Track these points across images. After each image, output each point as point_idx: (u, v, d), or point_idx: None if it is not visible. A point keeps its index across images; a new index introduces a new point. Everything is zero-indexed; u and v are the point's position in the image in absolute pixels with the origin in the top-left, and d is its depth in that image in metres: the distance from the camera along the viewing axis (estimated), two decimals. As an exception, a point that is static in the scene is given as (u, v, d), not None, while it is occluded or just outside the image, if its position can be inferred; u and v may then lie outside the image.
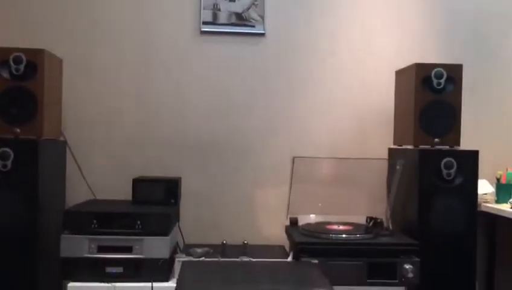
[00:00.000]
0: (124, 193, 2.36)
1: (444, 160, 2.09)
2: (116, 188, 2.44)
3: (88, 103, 2.49)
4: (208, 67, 2.55)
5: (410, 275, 1.93)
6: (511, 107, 2.72)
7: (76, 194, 2.41)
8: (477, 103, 2.66)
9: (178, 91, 2.53)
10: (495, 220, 2.49)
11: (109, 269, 1.92)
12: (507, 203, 2.39)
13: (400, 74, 2.41)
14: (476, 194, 2.14)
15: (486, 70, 2.69)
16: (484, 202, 2.41)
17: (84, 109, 2.49)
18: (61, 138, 2.33)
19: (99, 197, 2.43)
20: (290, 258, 1.99)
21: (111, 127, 2.50)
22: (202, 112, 2.54)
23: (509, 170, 2.44)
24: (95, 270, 1.92)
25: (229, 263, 1.69)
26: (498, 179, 2.46)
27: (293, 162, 2.10)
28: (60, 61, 2.28)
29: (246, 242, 2.19)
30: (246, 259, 1.94)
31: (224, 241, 2.18)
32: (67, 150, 2.38)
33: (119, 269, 1.92)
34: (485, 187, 2.44)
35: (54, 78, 2.18)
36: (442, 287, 2.07)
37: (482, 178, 2.27)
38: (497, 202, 2.43)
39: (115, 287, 1.90)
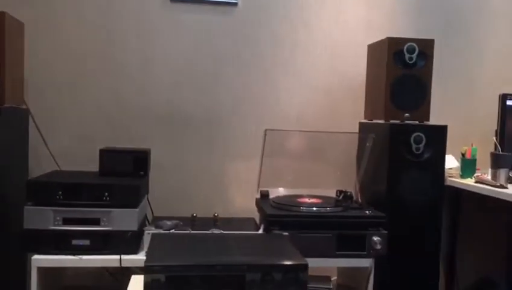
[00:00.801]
0: (90, 164, 2.29)
1: (414, 135, 2.11)
2: (81, 159, 2.37)
3: (51, 70, 2.39)
4: (178, 36, 2.47)
5: (378, 246, 1.96)
6: (478, 84, 2.77)
7: (40, 165, 2.33)
8: (445, 78, 2.70)
9: (147, 60, 2.45)
10: (459, 194, 2.56)
11: (76, 242, 1.87)
12: (471, 178, 2.46)
13: (372, 48, 2.41)
14: (443, 168, 2.18)
15: (455, 46, 2.72)
16: (449, 177, 2.46)
17: (47, 77, 2.38)
18: (24, 106, 2.23)
19: (63, 168, 2.35)
20: (261, 231, 1.99)
21: (76, 96, 2.41)
22: (171, 82, 2.48)
23: (474, 145, 2.50)
24: (61, 243, 1.86)
25: (200, 235, 1.67)
26: (463, 155, 2.52)
27: (265, 135, 2.08)
28: (22, 25, 2.16)
29: (216, 215, 2.17)
30: (217, 231, 1.92)
31: (194, 214, 2.16)
32: (30, 118, 2.29)
33: (86, 242, 1.87)
34: (450, 162, 2.49)
35: (15, 43, 2.07)
36: (409, 259, 2.13)
37: (448, 153, 2.31)
38: (461, 176, 2.49)
39: (81, 259, 1.86)
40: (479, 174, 2.44)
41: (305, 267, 1.35)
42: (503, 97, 2.54)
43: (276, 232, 1.88)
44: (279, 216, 1.96)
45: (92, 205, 1.89)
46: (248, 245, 1.53)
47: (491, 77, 2.79)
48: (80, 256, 1.86)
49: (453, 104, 2.73)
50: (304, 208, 2.04)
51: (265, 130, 2.10)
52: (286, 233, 1.85)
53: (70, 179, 1.96)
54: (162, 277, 1.27)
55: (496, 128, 2.56)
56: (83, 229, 1.88)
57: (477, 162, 2.50)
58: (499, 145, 2.50)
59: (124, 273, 2.06)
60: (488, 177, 2.35)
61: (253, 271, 1.31)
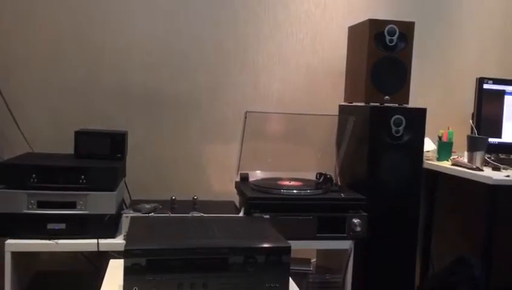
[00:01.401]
0: (64, 146, 2.23)
1: (394, 117, 2.12)
2: (55, 142, 2.30)
3: (24, 50, 2.29)
4: (155, 17, 2.40)
5: (358, 229, 1.97)
6: (455, 67, 2.79)
7: (11, 147, 2.25)
8: (422, 62, 2.71)
9: (123, 41, 2.38)
10: (436, 177, 2.60)
11: (51, 226, 1.81)
12: (447, 160, 2.49)
13: (352, 29, 2.39)
14: (422, 151, 2.20)
15: (434, 30, 2.73)
16: (426, 159, 2.49)
17: (19, 57, 2.29)
18: (-6, 86, 2.15)
19: (37, 151, 2.28)
20: (241, 214, 1.97)
21: (50, 77, 2.33)
22: (149, 64, 2.41)
23: (450, 129, 2.53)
24: (36, 227, 1.80)
25: (180, 218, 1.64)
26: (440, 137, 2.55)
27: (245, 117, 2.05)
28: (-10, 0, 2.07)
29: (195, 197, 2.15)
30: (197, 214, 1.90)
31: (173, 197, 2.13)
32: (1, 99, 2.20)
33: (62, 226, 1.82)
34: (427, 145, 2.51)
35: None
36: (388, 240, 2.15)
37: (425, 136, 2.33)
38: (438, 159, 2.52)
39: (57, 243, 1.81)
40: (455, 157, 2.48)
41: (288, 250, 1.34)
42: (480, 81, 2.57)
43: (257, 215, 1.87)
44: (260, 199, 1.95)
45: (67, 188, 1.83)
46: (229, 228, 1.51)
47: (469, 61, 2.81)
48: (56, 240, 1.81)
49: (430, 88, 2.75)
50: (285, 190, 2.03)
51: (246, 112, 2.07)
52: (267, 216, 1.84)
53: (45, 162, 1.89)
54: (142, 261, 1.24)
55: (472, 112, 2.59)
56: (59, 212, 1.82)
57: (454, 145, 2.53)
58: (475, 129, 2.54)
59: (101, 258, 2.03)
60: (464, 160, 2.39)
61: (236, 254, 1.29)
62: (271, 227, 1.53)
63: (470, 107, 2.63)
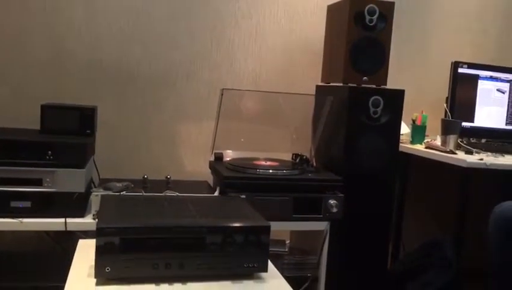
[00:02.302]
0: (30, 123, 2.10)
1: (372, 98, 2.09)
2: (20, 117, 2.17)
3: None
4: (128, -14, 2.30)
5: (334, 209, 1.95)
6: (430, 51, 2.80)
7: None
8: (398, 44, 2.70)
9: (94, 13, 2.27)
10: (408, 160, 2.61)
11: (15, 204, 1.71)
12: (421, 144, 2.50)
13: (331, 8, 2.35)
14: (399, 133, 2.19)
15: (410, 12, 2.72)
16: (400, 142, 2.49)
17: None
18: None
19: (-1, 125, 2.15)
20: (216, 193, 1.92)
21: (15, 49, 2.19)
22: (121, 39, 2.31)
23: (424, 112, 2.54)
24: (-2, 205, 1.70)
25: (154, 197, 1.58)
26: (414, 121, 2.55)
27: (222, 94, 1.99)
28: None
29: (169, 177, 2.08)
30: (171, 193, 1.83)
31: (145, 176, 2.06)
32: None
33: (27, 204, 1.72)
34: (401, 128, 2.51)
35: None
36: (363, 222, 2.14)
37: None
38: (411, 142, 2.53)
39: (21, 222, 1.71)
40: (429, 140, 2.49)
41: (268, 229, 1.30)
42: (455, 65, 2.58)
43: (233, 194, 1.82)
44: (236, 178, 1.90)
45: (33, 164, 1.73)
46: (206, 207, 1.46)
47: (444, 46, 2.82)
48: (20, 219, 1.72)
49: (405, 71, 2.75)
50: (261, 170, 1.99)
51: (222, 89, 2.01)
52: (243, 196, 1.79)
53: (8, 136, 1.78)
54: (116, 240, 1.18)
55: (446, 96, 2.60)
56: (23, 190, 1.72)
57: (426, 129, 2.54)
58: (449, 112, 2.55)
59: (68, 238, 1.94)
60: (438, 143, 2.40)
61: (214, 233, 1.25)
62: (249, 206, 1.48)
63: (443, 92, 2.64)
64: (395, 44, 2.60)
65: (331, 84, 2.30)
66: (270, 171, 2.01)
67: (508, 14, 2.92)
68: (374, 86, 2.17)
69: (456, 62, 2.58)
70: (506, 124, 2.70)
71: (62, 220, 1.74)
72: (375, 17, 2.13)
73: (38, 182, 1.74)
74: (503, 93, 2.69)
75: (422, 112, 2.53)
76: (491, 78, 2.65)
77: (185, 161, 2.42)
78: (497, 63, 2.73)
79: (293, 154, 2.26)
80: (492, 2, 2.88)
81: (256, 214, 1.39)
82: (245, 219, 1.34)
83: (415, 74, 2.78)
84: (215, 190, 1.96)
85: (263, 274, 1.28)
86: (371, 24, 2.13)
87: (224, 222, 1.28)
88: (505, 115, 2.69)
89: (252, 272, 1.27)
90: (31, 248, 2.21)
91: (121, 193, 1.80)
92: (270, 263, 1.30)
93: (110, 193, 1.80)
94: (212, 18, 2.42)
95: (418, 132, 2.53)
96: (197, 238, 1.24)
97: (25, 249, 2.21)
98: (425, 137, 2.54)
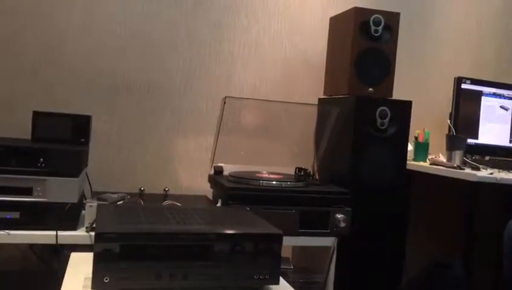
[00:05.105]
0: (22, 132, 1.99)
1: (379, 109, 2.02)
2: (11, 126, 2.06)
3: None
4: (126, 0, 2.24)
5: (342, 224, 1.85)
6: (432, 68, 2.76)
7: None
8: (401, 57, 2.65)
9: (90, 22, 2.19)
10: (411, 178, 2.52)
11: (2, 214, 1.58)
12: (425, 161, 2.43)
13: (335, 20, 2.30)
14: (407, 145, 2.12)
15: (414, 27, 2.69)
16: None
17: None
18: None
19: (-13, 135, 2.04)
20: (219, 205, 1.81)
21: (8, 55, 2.10)
22: (116, 48, 2.23)
23: (426, 129, 2.48)
24: (-17, 215, 1.58)
25: (155, 207, 1.47)
26: (416, 138, 2.49)
27: (224, 103, 1.91)
28: None
29: (167, 189, 1.96)
30: (173, 202, 1.72)
31: (142, 188, 1.94)
32: None
33: (15, 215, 1.59)
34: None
35: None
36: (373, 238, 2.03)
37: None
38: (414, 160, 2.47)
39: (9, 234, 1.58)
40: (432, 157, 2.43)
41: (280, 237, 1.20)
42: (459, 80, 2.54)
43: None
44: (240, 189, 1.79)
45: (23, 171, 1.61)
46: (212, 216, 1.35)
47: (444, 62, 2.78)
48: (8, 231, 1.58)
49: (408, 87, 2.69)
50: (264, 181, 1.89)
51: (225, 98, 1.93)
52: (247, 208, 1.68)
53: (-4, 143, 1.67)
54: (115, 247, 1.06)
55: (449, 112, 2.55)
56: (11, 199, 1.60)
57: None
58: (453, 128, 2.50)
59: (53, 256, 1.81)
60: (443, 159, 2.34)
61: (222, 240, 1.14)
62: (256, 216, 1.38)
63: (445, 109, 2.59)
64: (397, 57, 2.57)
65: (334, 96, 2.23)
66: (274, 182, 1.91)
67: None
68: (381, 97, 2.10)
69: (459, 78, 2.54)
70: (510, 141, 2.65)
71: (53, 232, 1.62)
72: (380, 27, 2.08)
73: (28, 192, 1.61)
74: (507, 110, 2.65)
75: (424, 129, 2.48)
76: (495, 95, 2.61)
77: (181, 175, 2.31)
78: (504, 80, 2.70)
79: (296, 168, 2.16)
80: (495, 18, 2.87)
81: (265, 222, 1.29)
82: (255, 226, 1.23)
83: (418, 90, 2.72)
84: (217, 203, 1.85)
85: (274, 287, 1.17)
86: (376, 34, 2.09)
87: (234, 229, 1.18)
88: (509, 132, 2.65)
89: (263, 284, 1.16)
90: (14, 266, 2.06)
91: (118, 203, 1.69)
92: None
93: (106, 203, 1.68)
94: (211, 29, 2.35)
95: (421, 149, 2.47)
96: (204, 246, 1.13)
97: (5, 268, 2.05)
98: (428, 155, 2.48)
